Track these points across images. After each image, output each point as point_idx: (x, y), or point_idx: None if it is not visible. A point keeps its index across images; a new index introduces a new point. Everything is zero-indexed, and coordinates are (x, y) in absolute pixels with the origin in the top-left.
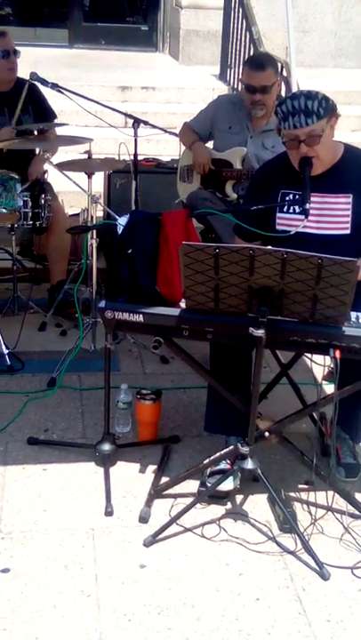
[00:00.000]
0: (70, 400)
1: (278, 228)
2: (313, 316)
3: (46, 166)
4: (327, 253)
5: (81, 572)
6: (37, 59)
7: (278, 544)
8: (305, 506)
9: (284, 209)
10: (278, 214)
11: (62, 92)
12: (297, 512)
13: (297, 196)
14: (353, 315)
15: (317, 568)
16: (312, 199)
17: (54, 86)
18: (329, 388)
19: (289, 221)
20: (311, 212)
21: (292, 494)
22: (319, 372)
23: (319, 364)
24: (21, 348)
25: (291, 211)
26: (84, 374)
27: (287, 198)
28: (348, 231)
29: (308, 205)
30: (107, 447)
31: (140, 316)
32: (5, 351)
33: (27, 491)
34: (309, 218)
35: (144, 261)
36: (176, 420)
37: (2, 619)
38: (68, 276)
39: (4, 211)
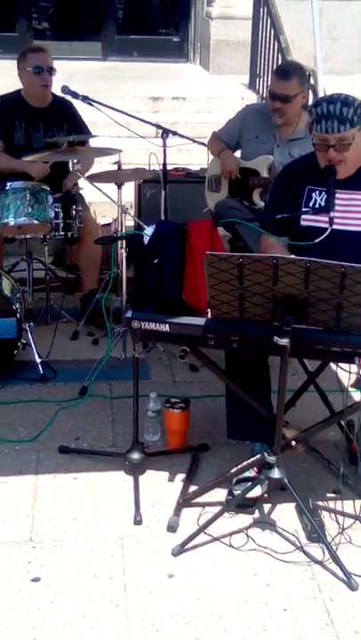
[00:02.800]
0: (101, 408)
1: (303, 223)
2: (338, 324)
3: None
4: (353, 251)
5: (110, 582)
6: (72, 72)
7: (306, 554)
8: (332, 515)
9: (310, 204)
10: (304, 209)
11: (92, 105)
12: (325, 521)
13: (323, 193)
14: None
15: (345, 578)
16: (339, 196)
17: (85, 99)
18: (357, 396)
19: (314, 216)
20: (337, 208)
21: (320, 503)
22: (346, 380)
23: (346, 371)
24: (54, 356)
25: (317, 206)
26: (114, 382)
27: (313, 194)
28: None
29: (332, 214)
30: (136, 456)
31: (167, 325)
32: (38, 360)
33: (57, 499)
34: (336, 214)
35: (170, 271)
36: (205, 428)
37: (32, 628)
38: (100, 285)
39: (36, 222)
